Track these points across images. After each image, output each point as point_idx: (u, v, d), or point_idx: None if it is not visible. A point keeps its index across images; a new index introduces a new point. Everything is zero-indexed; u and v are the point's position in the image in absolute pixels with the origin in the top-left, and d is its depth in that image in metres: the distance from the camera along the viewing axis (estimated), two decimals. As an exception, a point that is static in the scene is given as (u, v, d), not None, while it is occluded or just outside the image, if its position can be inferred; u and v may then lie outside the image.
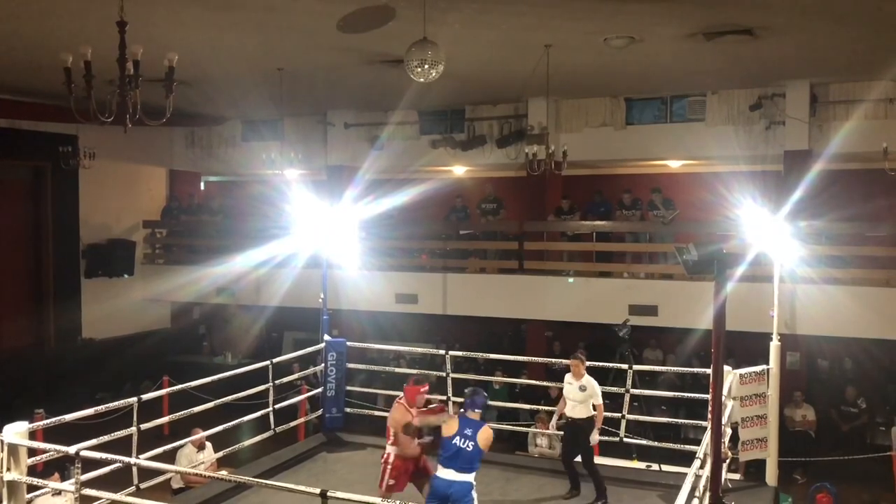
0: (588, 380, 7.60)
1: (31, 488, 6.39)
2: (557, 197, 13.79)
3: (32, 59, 10.20)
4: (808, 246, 10.53)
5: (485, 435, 6.26)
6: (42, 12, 8.31)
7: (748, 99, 12.44)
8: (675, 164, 14.66)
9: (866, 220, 11.84)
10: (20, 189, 14.74)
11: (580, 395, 7.55)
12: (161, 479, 7.64)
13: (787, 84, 11.99)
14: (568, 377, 7.73)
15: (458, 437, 6.20)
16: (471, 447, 6.16)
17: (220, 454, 8.93)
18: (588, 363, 9.27)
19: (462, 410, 6.52)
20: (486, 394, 6.63)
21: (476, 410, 6.39)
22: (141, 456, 7.06)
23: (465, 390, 6.78)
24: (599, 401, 7.58)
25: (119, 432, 7.10)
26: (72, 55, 5.46)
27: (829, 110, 12.07)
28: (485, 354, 10.84)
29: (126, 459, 6.30)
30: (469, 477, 6.16)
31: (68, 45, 5.66)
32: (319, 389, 9.80)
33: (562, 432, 8.02)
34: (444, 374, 9.63)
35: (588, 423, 7.53)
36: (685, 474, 5.76)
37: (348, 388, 9.89)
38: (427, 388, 6.90)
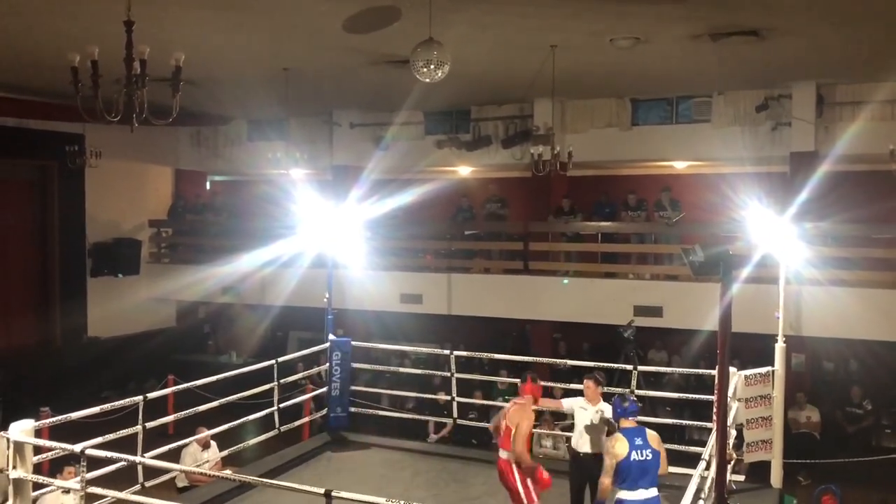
0: (605, 405, 6.78)
1: (37, 486, 6.41)
2: (563, 198, 13.78)
3: (39, 59, 10.23)
4: (813, 247, 10.50)
5: (654, 437, 5.94)
6: (49, 12, 8.34)
7: (754, 100, 12.40)
8: (680, 165, 14.64)
9: (872, 221, 11.80)
10: (27, 188, 14.78)
11: (588, 417, 6.80)
12: (166, 477, 7.68)
13: (794, 85, 11.96)
14: (580, 401, 6.94)
15: (633, 452, 5.78)
16: (650, 456, 5.81)
17: (225, 453, 8.94)
18: (593, 364, 9.19)
19: (616, 424, 6.11)
20: (635, 399, 6.31)
21: (630, 418, 5.99)
22: (146, 454, 7.10)
23: (613, 400, 6.23)
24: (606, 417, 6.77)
25: (124, 431, 7.14)
26: (79, 55, 5.48)
27: (836, 112, 12.03)
28: (489, 354, 10.84)
29: (131, 458, 6.32)
30: (656, 490, 5.83)
31: (75, 44, 5.68)
32: (324, 389, 9.82)
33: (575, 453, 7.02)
34: (448, 374, 9.65)
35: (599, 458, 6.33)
36: (690, 475, 5.76)
37: (353, 387, 9.90)
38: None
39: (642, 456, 5.76)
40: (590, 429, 6.77)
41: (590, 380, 6.93)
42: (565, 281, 12.76)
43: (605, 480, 5.85)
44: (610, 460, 5.84)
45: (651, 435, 5.95)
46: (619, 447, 5.81)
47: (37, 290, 14.78)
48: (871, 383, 12.74)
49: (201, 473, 8.25)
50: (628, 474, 5.75)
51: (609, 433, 6.43)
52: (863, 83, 11.72)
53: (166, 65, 5.56)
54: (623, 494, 5.76)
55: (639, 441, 5.82)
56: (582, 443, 6.83)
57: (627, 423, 5.98)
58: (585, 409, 6.89)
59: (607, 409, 6.64)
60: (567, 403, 7.15)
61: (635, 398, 6.36)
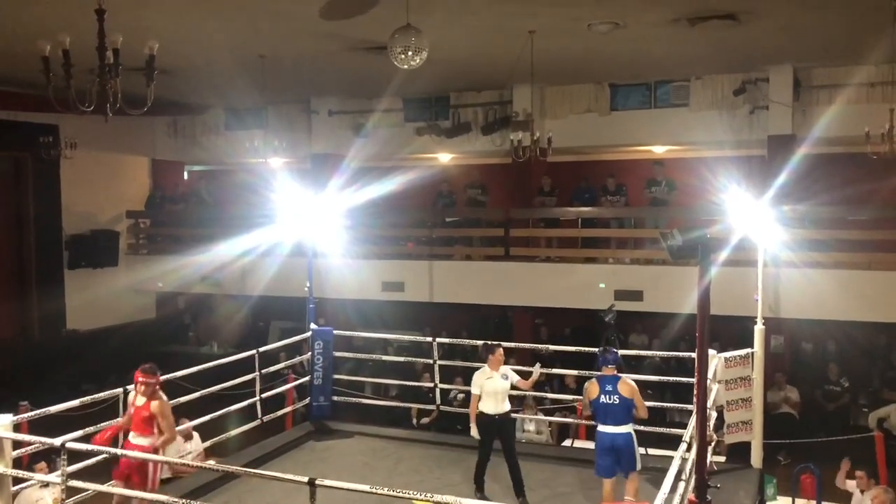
0: (507, 368, 7.44)
1: (18, 480, 6.35)
2: (542, 176, 13.78)
3: (10, 48, 10.06)
4: (791, 230, 10.59)
5: (625, 386, 6.79)
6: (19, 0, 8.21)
7: (732, 84, 12.47)
8: (659, 150, 14.69)
9: (849, 203, 11.93)
10: (1, 180, 14.56)
11: (505, 384, 7.32)
12: (148, 469, 7.61)
13: (771, 69, 12.03)
14: (485, 370, 7.33)
15: (602, 396, 6.75)
16: (616, 401, 6.72)
17: (208, 444, 8.92)
18: (574, 348, 9.28)
19: (599, 371, 6.99)
20: (615, 350, 7.16)
21: (609, 366, 6.87)
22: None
23: (598, 350, 7.24)
24: (516, 378, 7.45)
25: (105, 423, 7.07)
26: (50, 44, 5.39)
27: (813, 95, 12.13)
28: (472, 341, 10.84)
29: (113, 450, 6.28)
30: (628, 427, 6.75)
31: (46, 33, 5.58)
32: (306, 378, 9.80)
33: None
34: (431, 362, 9.67)
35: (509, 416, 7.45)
36: (671, 458, 5.81)
37: (335, 376, 9.89)
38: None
39: (609, 399, 6.75)
40: (500, 393, 7.30)
41: (501, 347, 7.47)
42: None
43: (584, 412, 7.31)
44: (584, 398, 7.00)
45: (623, 384, 6.83)
46: (590, 389, 6.90)
47: (13, 283, 14.60)
48: (847, 363, 12.93)
49: (184, 464, 8.21)
50: (597, 412, 6.85)
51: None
52: (839, 66, 11.82)
53: (140, 53, 5.48)
54: (599, 427, 6.87)
55: (609, 388, 6.78)
56: (494, 406, 7.28)
57: (606, 370, 6.90)
58: (491, 377, 7.31)
59: (507, 371, 7.38)
60: (473, 387, 7.41)
61: (615, 350, 7.17)
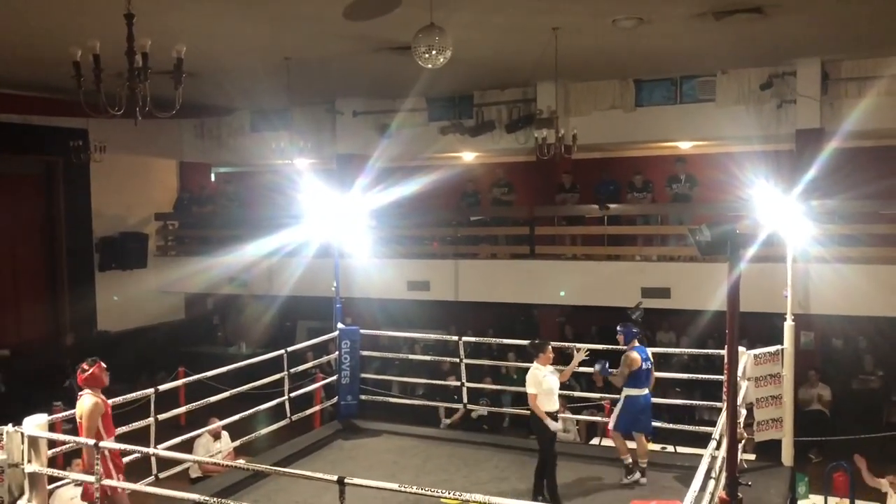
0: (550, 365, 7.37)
1: (53, 479, 6.46)
2: (563, 173, 13.73)
3: (42, 54, 10.23)
4: (820, 225, 10.46)
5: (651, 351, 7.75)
6: (50, 6, 8.34)
7: (759, 78, 12.33)
8: (685, 146, 14.58)
9: (879, 197, 11.74)
10: (33, 184, 14.82)
11: (557, 381, 7.35)
12: (179, 468, 7.73)
13: (798, 62, 11.88)
14: (540, 368, 7.24)
15: (644, 363, 7.54)
16: (651, 366, 7.67)
17: (237, 443, 9.00)
18: (600, 347, 9.26)
19: (632, 343, 7.61)
20: (629, 323, 7.79)
21: (637, 337, 7.66)
22: (159, 446, 7.15)
23: (619, 328, 7.79)
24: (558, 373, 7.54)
25: (137, 423, 7.19)
26: (80, 49, 5.48)
27: (841, 88, 11.95)
28: (497, 340, 10.87)
29: (144, 450, 6.37)
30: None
31: (76, 38, 5.67)
32: (334, 377, 9.86)
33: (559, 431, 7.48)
34: (457, 360, 9.68)
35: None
36: (701, 455, 5.77)
37: (362, 375, 9.94)
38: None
39: (647, 366, 7.60)
40: (555, 390, 7.32)
41: (550, 345, 7.51)
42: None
43: (619, 381, 7.62)
44: (627, 369, 7.49)
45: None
46: (636, 358, 7.50)
47: (46, 285, 14.85)
48: (880, 359, 12.73)
49: (214, 463, 8.30)
50: (639, 378, 7.50)
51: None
52: (868, 59, 11.63)
53: (168, 57, 5.55)
54: (631, 392, 7.51)
55: (644, 355, 7.61)
56: (551, 404, 7.27)
57: (636, 342, 7.64)
58: (547, 375, 7.27)
59: (552, 368, 7.47)
60: (530, 387, 7.26)
61: (630, 324, 7.82)
